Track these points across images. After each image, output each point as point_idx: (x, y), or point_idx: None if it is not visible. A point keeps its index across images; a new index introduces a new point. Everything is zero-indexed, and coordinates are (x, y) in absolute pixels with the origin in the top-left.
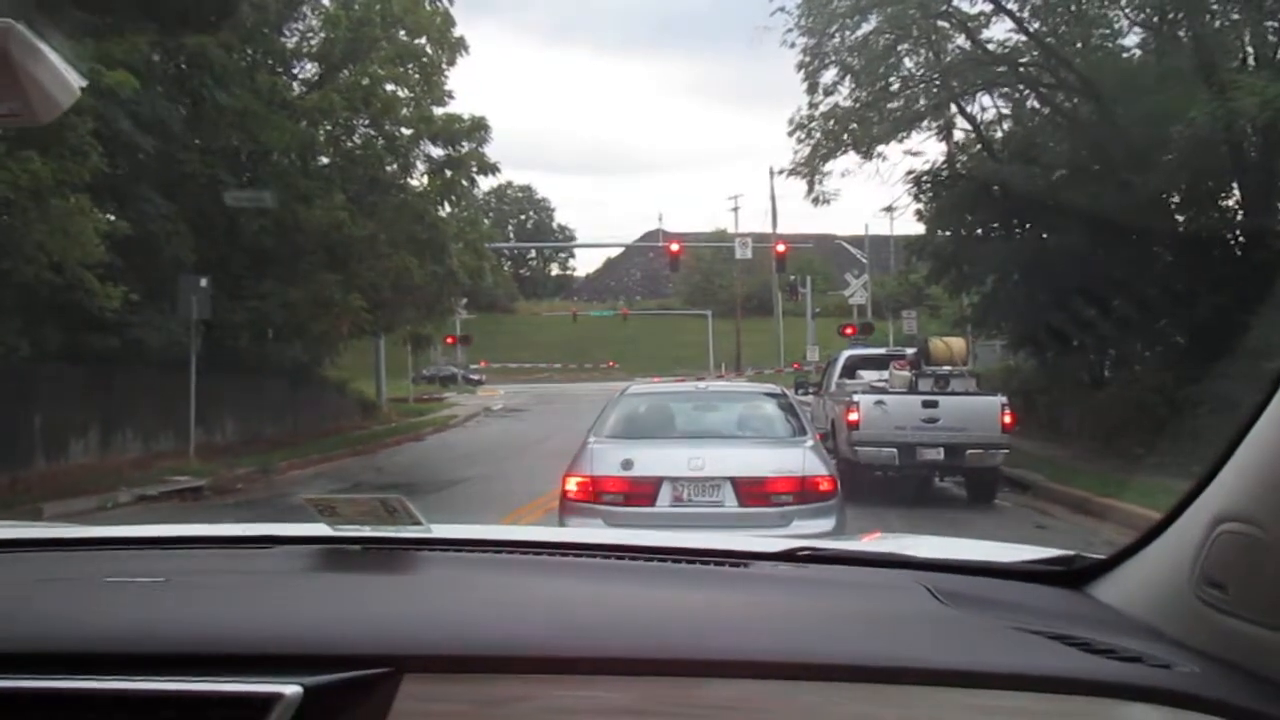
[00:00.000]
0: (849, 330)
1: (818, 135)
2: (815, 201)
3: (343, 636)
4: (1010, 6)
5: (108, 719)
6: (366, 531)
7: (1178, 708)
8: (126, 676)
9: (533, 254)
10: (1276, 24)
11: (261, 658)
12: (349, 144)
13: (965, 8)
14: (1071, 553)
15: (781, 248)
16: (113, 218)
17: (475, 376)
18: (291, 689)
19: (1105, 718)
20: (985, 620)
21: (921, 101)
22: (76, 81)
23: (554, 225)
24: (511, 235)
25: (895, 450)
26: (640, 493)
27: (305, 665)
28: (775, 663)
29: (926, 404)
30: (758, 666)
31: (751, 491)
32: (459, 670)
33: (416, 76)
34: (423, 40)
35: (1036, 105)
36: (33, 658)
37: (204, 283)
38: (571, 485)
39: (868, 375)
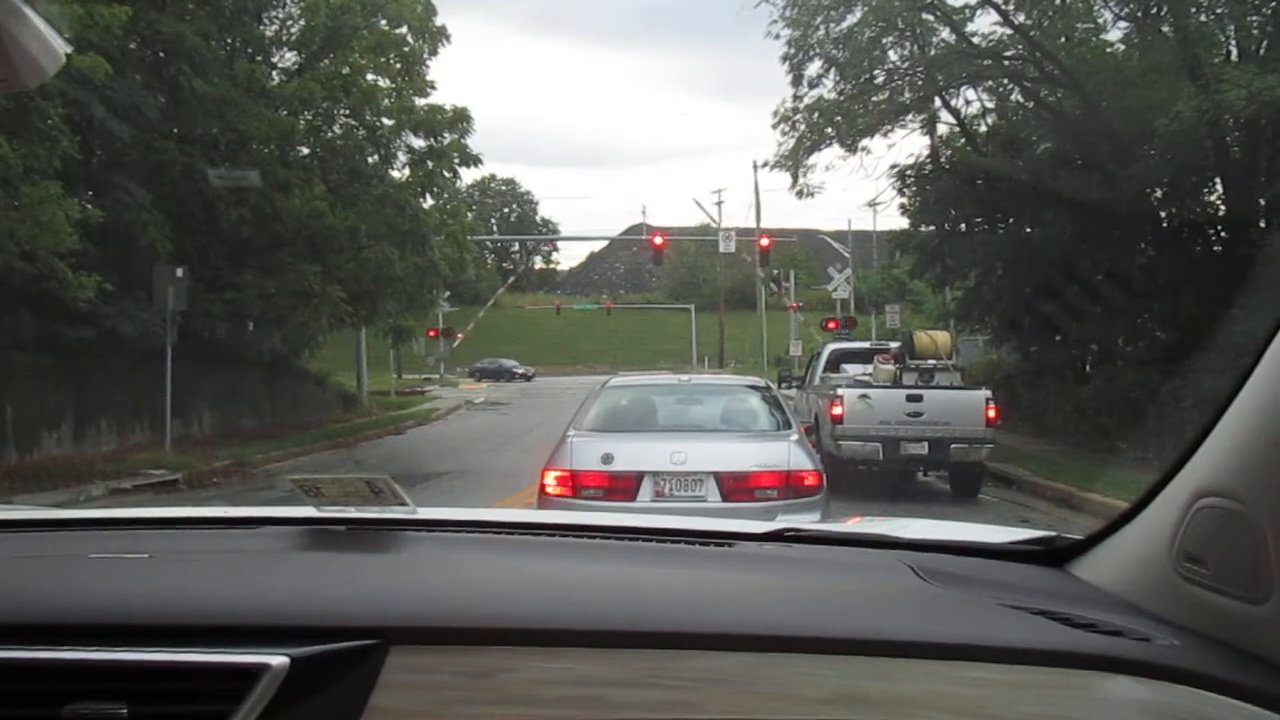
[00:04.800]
0: (832, 324)
1: (802, 128)
2: (799, 194)
3: (329, 609)
4: None
5: (95, 689)
6: (352, 512)
7: (1158, 679)
8: (112, 647)
9: (516, 247)
10: (1260, 18)
11: (248, 629)
12: (329, 134)
13: (950, 0)
14: (1052, 533)
15: (765, 242)
16: (87, 206)
17: (521, 370)
18: (279, 659)
19: (1087, 690)
20: (968, 596)
21: (906, 95)
22: (62, 47)
23: (537, 219)
24: (495, 228)
25: (879, 444)
26: (621, 487)
27: (292, 637)
28: (758, 636)
29: (911, 398)
30: (741, 640)
31: (735, 486)
32: (445, 642)
33: (398, 66)
34: (403, 29)
35: (1021, 99)
36: (16, 629)
37: (181, 273)
38: (550, 480)
39: (852, 369)
